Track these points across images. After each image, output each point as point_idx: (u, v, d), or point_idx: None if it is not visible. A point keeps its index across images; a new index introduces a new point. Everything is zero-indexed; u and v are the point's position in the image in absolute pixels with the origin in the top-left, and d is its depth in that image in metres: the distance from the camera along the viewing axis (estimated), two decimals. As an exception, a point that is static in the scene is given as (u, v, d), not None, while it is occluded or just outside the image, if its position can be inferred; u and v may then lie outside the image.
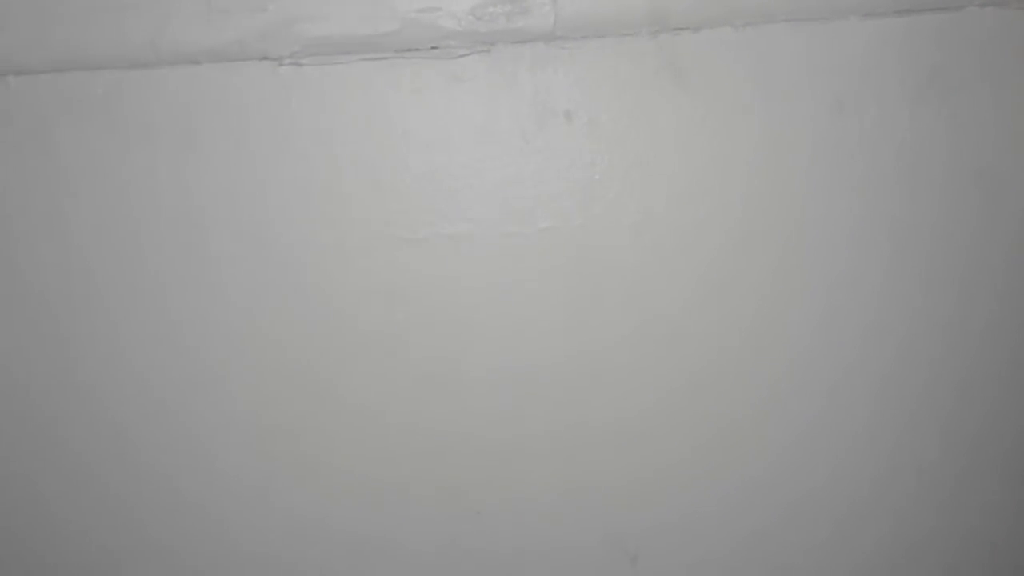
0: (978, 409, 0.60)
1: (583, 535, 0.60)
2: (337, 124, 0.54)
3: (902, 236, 0.56)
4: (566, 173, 0.55)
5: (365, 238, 0.56)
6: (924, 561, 0.62)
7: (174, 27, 0.52)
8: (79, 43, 0.52)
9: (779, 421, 0.59)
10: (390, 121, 0.54)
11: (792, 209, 0.56)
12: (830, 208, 0.56)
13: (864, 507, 0.61)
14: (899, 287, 0.57)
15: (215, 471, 0.58)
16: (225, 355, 0.57)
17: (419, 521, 0.59)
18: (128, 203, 0.54)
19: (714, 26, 0.54)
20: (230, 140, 0.54)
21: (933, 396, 0.59)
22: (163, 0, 0.52)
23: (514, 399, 0.58)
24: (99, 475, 0.59)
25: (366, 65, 0.54)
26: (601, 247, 0.56)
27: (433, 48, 0.54)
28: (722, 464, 0.59)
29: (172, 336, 0.56)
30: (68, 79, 0.53)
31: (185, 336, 0.56)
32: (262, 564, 0.60)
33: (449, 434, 0.58)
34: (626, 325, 0.57)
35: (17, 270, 0.55)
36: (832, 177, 0.56)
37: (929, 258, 0.57)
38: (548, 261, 0.56)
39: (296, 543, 0.60)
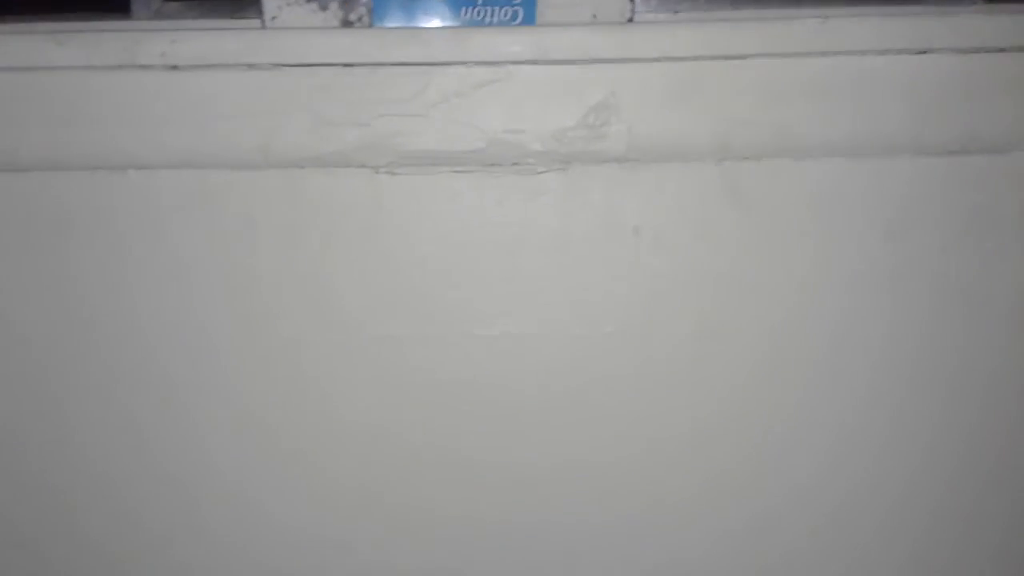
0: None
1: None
2: (425, 227, 0.59)
3: (940, 362, 0.61)
4: (632, 283, 0.60)
5: (444, 333, 0.60)
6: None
7: (284, 135, 0.57)
8: (196, 144, 0.57)
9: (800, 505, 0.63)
10: (473, 227, 0.59)
11: (840, 328, 0.60)
12: (874, 329, 0.60)
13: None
14: (928, 407, 0.62)
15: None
16: (298, 430, 0.61)
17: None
18: (230, 293, 0.59)
19: (775, 156, 0.59)
20: (326, 238, 0.59)
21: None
22: (275, 111, 0.56)
23: (573, 494, 0.62)
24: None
25: (454, 176, 0.59)
26: (661, 352, 0.61)
27: (515, 164, 0.59)
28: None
29: (257, 417, 0.61)
30: (182, 175, 0.58)
31: (267, 417, 0.61)
32: None
33: (499, 520, 0.62)
34: (683, 425, 0.61)
35: (120, 352, 0.60)
36: (877, 301, 0.60)
37: (961, 388, 0.61)
38: (611, 363, 0.61)
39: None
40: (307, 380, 0.61)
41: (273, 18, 0.60)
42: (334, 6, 0.60)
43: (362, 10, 0.60)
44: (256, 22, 0.66)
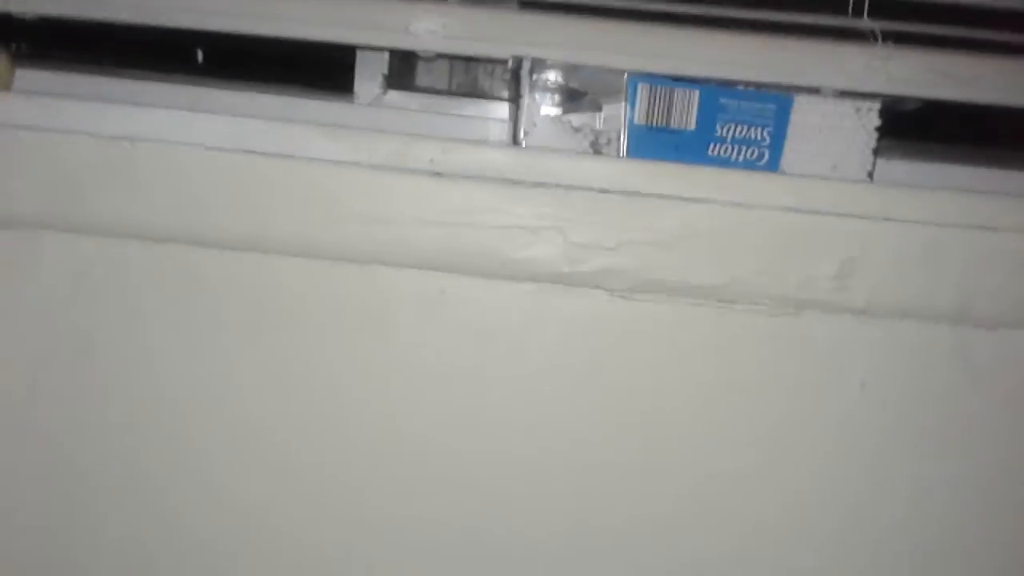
0: None
1: None
2: (654, 354, 0.60)
3: None
4: (852, 437, 0.60)
5: (653, 462, 0.60)
6: None
7: (536, 251, 0.58)
8: (446, 248, 0.58)
9: None
10: (705, 363, 0.60)
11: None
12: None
13: None
14: None
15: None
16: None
17: None
18: (456, 397, 0.60)
19: (1011, 328, 0.59)
20: (556, 353, 0.60)
21: None
22: (533, 227, 0.58)
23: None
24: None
25: (690, 308, 0.59)
26: (876, 511, 0.61)
27: (752, 304, 0.59)
28: None
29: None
30: (426, 277, 0.59)
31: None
32: None
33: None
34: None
35: (344, 441, 0.60)
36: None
37: None
38: (821, 513, 0.60)
39: None
40: (520, 496, 0.60)
41: (526, 134, 0.61)
42: (586, 129, 0.61)
43: (612, 135, 0.61)
44: (494, 124, 0.67)
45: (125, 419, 0.61)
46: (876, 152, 0.62)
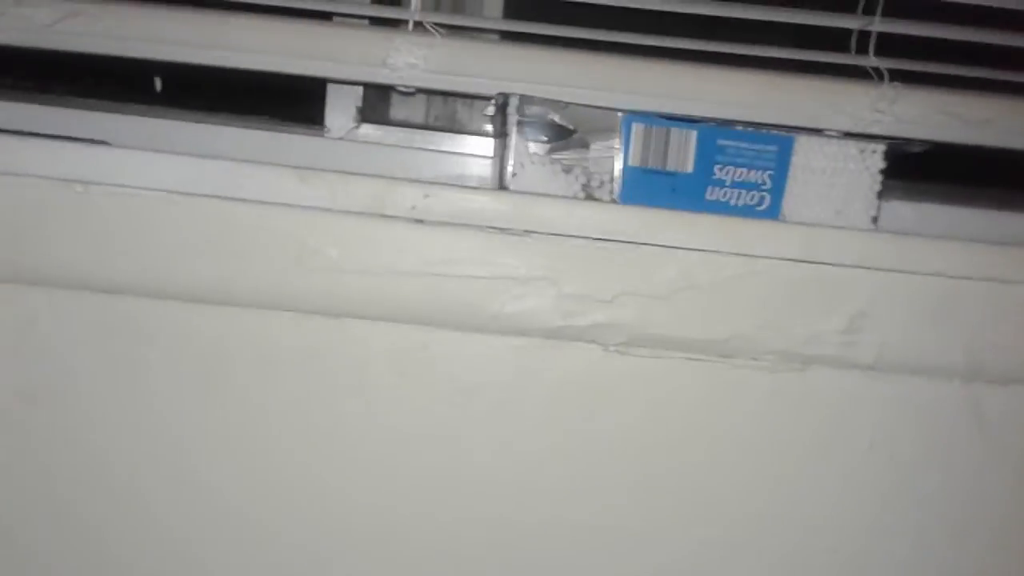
0: None
1: None
2: (652, 416, 0.56)
3: None
4: (859, 498, 0.57)
5: (643, 525, 0.56)
6: None
7: (526, 305, 0.54)
8: (425, 301, 0.54)
9: None
10: (705, 423, 0.56)
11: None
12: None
13: None
14: None
15: None
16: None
17: None
18: (435, 456, 0.55)
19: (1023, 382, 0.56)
20: (544, 412, 0.55)
21: None
22: (517, 278, 0.53)
23: None
24: None
25: (687, 363, 0.55)
26: (880, 569, 0.57)
27: (753, 359, 0.55)
28: None
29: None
30: (403, 331, 0.55)
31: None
32: None
33: None
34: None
35: (320, 497, 0.55)
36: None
37: None
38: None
39: None
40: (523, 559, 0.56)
41: (514, 175, 0.57)
42: (577, 170, 0.57)
43: (605, 176, 0.57)
44: (474, 161, 0.63)
45: (70, 480, 0.56)
46: (881, 196, 0.59)
